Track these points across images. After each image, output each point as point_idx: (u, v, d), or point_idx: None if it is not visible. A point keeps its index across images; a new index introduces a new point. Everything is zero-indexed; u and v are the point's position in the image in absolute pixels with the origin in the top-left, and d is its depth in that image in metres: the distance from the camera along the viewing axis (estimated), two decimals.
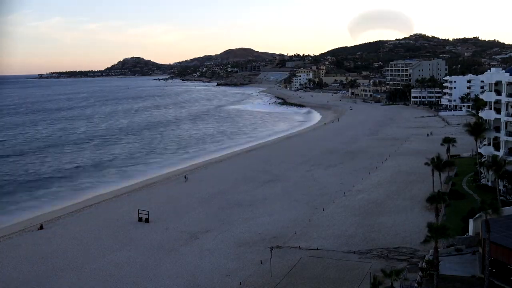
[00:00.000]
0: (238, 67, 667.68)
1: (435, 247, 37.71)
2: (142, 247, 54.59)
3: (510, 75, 65.62)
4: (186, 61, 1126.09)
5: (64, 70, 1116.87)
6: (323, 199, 70.40)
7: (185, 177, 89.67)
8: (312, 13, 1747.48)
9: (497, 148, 67.70)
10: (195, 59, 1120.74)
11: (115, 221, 65.00)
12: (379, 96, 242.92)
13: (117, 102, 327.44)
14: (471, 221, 45.92)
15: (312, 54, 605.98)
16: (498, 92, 67.48)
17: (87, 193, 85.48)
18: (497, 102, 67.87)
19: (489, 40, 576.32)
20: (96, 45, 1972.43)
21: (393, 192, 71.62)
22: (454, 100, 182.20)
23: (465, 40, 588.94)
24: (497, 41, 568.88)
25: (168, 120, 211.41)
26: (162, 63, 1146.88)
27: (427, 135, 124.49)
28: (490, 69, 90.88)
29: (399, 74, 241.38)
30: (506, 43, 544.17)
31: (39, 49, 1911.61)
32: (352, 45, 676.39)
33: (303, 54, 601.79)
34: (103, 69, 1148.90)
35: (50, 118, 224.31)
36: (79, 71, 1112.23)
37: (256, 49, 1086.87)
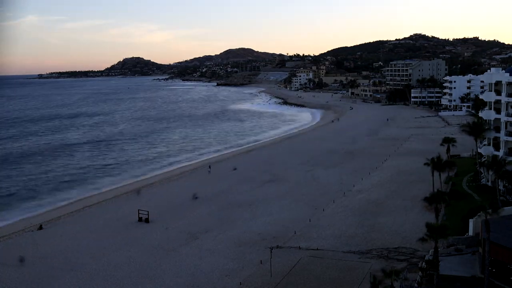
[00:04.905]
0: (238, 67, 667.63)
1: (435, 247, 37.74)
2: (142, 247, 54.58)
3: (510, 75, 65.70)
4: (186, 61, 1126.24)
5: (63, 70, 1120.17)
6: (323, 199, 70.40)
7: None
8: (313, 13, 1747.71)
9: (497, 148, 67.74)
10: (195, 59, 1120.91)
11: (115, 221, 65.02)
12: (379, 96, 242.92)
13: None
14: (471, 221, 45.94)
15: (312, 54, 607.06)
16: (498, 92, 67.54)
17: (87, 193, 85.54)
18: (497, 102, 67.94)
19: (489, 40, 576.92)
20: (94, 45, 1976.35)
21: (393, 192, 71.62)
22: (454, 100, 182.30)
23: (465, 40, 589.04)
24: (497, 41, 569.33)
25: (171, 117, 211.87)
26: (162, 63, 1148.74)
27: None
28: (490, 69, 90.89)
29: (399, 74, 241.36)
30: (506, 43, 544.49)
31: (28, 48, 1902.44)
32: (352, 45, 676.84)
33: (303, 54, 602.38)
34: (103, 69, 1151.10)
35: None
36: (79, 71, 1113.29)
37: (256, 49, 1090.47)
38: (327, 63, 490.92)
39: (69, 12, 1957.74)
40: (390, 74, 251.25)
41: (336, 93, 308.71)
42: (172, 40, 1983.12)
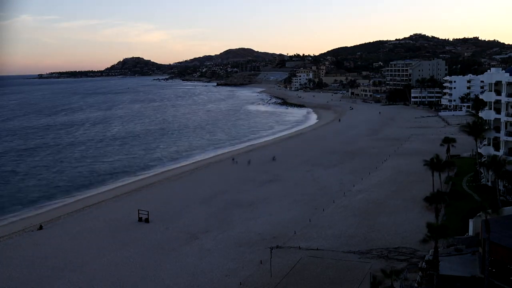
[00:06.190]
0: (238, 67, 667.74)
1: (435, 247, 37.72)
2: (142, 247, 54.58)
3: (510, 75, 65.72)
4: (186, 61, 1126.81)
5: (63, 70, 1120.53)
6: (323, 199, 70.39)
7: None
8: (313, 13, 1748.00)
9: (497, 148, 67.73)
10: (195, 59, 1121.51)
11: (115, 221, 65.00)
12: (379, 96, 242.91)
13: None
14: (471, 221, 45.92)
15: (312, 54, 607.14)
16: (498, 92, 67.55)
17: (87, 193, 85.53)
18: (497, 102, 67.93)
19: (489, 40, 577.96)
20: (92, 45, 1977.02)
21: (393, 192, 71.61)
22: (454, 100, 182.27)
23: (465, 40, 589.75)
24: (497, 41, 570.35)
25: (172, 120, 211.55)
26: (162, 63, 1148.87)
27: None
28: (490, 69, 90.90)
29: (399, 74, 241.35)
30: (506, 43, 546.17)
31: (25, 48, 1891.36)
32: (352, 45, 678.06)
33: (303, 54, 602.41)
34: (103, 69, 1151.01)
35: None
36: (79, 71, 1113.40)
37: (256, 49, 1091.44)
38: (327, 63, 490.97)
39: (62, 12, 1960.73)
40: (390, 74, 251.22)
41: (336, 93, 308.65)
42: (171, 40, 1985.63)
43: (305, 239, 53.93)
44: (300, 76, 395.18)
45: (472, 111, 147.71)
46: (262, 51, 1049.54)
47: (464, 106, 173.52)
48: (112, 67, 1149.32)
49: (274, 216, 63.47)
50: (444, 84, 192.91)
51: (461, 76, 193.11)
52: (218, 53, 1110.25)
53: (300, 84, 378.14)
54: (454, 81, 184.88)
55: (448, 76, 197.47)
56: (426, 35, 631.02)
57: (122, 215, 67.39)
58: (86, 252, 53.48)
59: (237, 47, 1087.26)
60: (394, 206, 64.13)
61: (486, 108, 71.99)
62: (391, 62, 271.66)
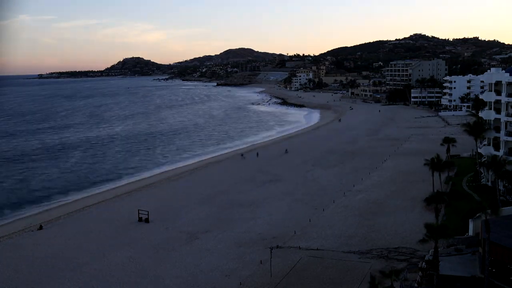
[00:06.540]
0: (238, 67, 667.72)
1: (435, 247, 37.71)
2: (142, 247, 54.58)
3: (510, 75, 65.68)
4: (186, 61, 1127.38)
5: (63, 70, 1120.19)
6: (323, 199, 70.39)
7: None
8: (313, 13, 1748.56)
9: (497, 148, 67.72)
10: (195, 59, 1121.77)
11: (115, 221, 65.01)
12: (379, 96, 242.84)
13: None
14: (471, 221, 45.93)
15: (312, 54, 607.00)
16: (498, 92, 67.52)
17: (87, 193, 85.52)
18: (497, 102, 67.91)
19: (489, 40, 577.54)
20: (91, 45, 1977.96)
21: (393, 192, 71.60)
22: (454, 100, 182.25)
23: (465, 40, 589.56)
24: (497, 41, 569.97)
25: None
26: (162, 63, 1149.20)
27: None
28: (490, 69, 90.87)
29: (399, 74, 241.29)
30: (506, 43, 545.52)
31: (25, 48, 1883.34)
32: (352, 45, 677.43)
33: (303, 54, 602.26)
34: (103, 69, 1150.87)
35: None
36: (79, 71, 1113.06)
37: (256, 49, 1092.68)
38: (327, 63, 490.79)
39: (62, 12, 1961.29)
40: (390, 74, 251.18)
41: (336, 93, 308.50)
42: (171, 40, 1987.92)
43: (305, 239, 53.92)
44: (300, 76, 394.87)
45: (472, 111, 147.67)
46: (262, 51, 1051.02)
47: (464, 106, 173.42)
48: (112, 67, 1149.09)
49: (274, 216, 63.48)
50: (444, 84, 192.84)
51: (461, 76, 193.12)
52: (218, 53, 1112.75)
53: (300, 84, 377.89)
54: (454, 81, 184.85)
55: (448, 76, 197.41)
56: (426, 35, 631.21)
57: (122, 215, 67.40)
58: (86, 252, 53.47)
59: (237, 47, 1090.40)
60: (394, 206, 64.12)
61: (486, 108, 71.94)
62: (391, 62, 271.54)
